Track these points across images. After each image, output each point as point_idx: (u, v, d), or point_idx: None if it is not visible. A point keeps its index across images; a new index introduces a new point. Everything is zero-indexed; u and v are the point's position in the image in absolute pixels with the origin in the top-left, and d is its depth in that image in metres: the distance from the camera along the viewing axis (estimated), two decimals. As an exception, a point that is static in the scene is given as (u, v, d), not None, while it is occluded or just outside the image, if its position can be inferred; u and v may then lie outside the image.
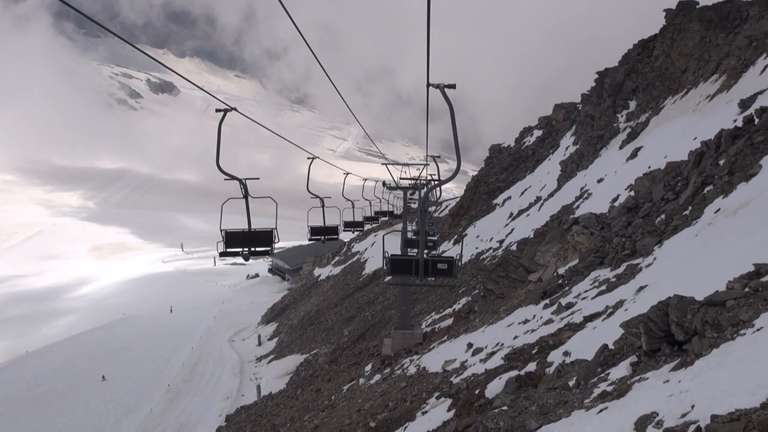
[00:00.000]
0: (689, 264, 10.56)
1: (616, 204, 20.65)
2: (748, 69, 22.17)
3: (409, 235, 21.03)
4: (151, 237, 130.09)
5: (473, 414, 8.35)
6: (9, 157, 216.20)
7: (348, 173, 19.71)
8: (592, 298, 12.51)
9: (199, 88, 7.08)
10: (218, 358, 41.13)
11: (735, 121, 17.20)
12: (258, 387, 31.94)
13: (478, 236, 38.55)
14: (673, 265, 11.20)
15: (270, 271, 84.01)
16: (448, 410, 9.74)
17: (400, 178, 22.63)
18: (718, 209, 12.10)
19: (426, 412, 10.86)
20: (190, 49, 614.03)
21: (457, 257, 11.20)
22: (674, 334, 6.00)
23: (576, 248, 18.91)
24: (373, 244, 58.73)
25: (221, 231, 10.37)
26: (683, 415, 4.24)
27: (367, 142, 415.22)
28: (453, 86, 6.88)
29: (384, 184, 23.40)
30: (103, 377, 36.55)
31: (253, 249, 10.65)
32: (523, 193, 41.17)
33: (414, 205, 26.76)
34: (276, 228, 10.70)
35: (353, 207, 21.30)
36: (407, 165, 26.10)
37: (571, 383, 7.18)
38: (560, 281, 16.33)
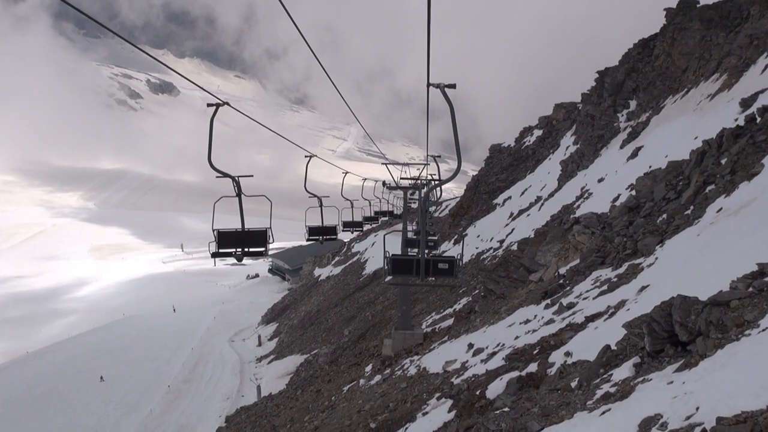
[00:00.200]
0: (691, 264, 10.51)
1: (617, 203, 20.59)
2: (749, 68, 22.09)
3: (410, 234, 21.00)
4: (151, 237, 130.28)
5: (474, 415, 8.28)
6: (9, 158, 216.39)
7: (347, 172, 19.63)
8: (594, 298, 12.44)
9: (200, 87, 7.03)
10: (218, 359, 41.08)
11: (736, 120, 17.13)
12: (258, 387, 31.88)
13: (478, 236, 38.51)
14: (675, 264, 11.13)
15: (270, 271, 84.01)
16: (449, 411, 9.67)
17: (401, 178, 22.57)
18: (720, 208, 12.05)
19: (426, 413, 10.81)
20: (190, 50, 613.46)
21: (458, 257, 11.14)
22: (678, 335, 5.93)
23: (577, 248, 18.85)
24: (373, 244, 58.68)
25: (213, 230, 10.10)
26: (688, 417, 4.18)
27: (367, 142, 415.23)
28: (453, 86, 6.86)
29: (384, 183, 23.35)
30: (102, 378, 36.45)
31: (246, 249, 10.27)
32: (523, 193, 41.12)
33: (414, 205, 26.73)
34: (270, 228, 10.31)
35: (352, 207, 21.23)
36: (407, 165, 26.07)
37: (573, 384, 7.11)
38: (561, 281, 16.28)
